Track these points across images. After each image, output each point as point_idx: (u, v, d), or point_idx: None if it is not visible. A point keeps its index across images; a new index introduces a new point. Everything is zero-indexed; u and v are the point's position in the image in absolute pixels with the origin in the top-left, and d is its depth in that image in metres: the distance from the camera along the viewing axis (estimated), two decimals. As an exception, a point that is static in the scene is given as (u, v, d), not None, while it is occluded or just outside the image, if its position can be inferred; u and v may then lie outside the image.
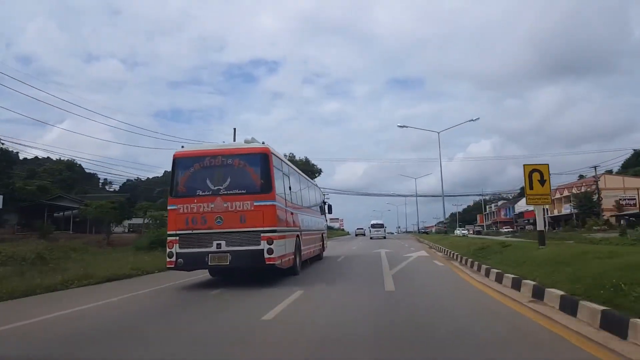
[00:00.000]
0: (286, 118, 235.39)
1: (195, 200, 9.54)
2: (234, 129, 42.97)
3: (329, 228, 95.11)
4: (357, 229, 77.28)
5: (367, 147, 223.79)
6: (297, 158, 54.30)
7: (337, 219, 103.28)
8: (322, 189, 26.45)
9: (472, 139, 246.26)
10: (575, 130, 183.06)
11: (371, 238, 51.20)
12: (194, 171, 9.90)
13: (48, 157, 59.06)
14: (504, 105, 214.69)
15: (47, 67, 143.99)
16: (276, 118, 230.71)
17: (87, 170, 59.93)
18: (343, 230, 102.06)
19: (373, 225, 56.08)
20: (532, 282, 7.29)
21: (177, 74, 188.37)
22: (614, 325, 4.58)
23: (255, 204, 9.43)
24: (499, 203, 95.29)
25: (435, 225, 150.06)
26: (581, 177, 69.26)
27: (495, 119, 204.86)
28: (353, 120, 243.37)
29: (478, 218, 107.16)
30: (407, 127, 46.49)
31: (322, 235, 17.66)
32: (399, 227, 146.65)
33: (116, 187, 71.39)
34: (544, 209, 18.48)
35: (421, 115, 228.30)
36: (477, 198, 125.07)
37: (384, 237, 51.53)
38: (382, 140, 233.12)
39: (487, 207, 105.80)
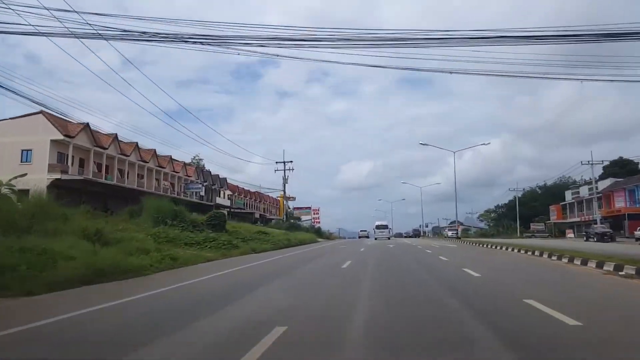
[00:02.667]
0: (293, 117, 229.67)
1: None
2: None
3: (293, 226, 50.04)
4: (361, 231, 75.92)
5: (373, 146, 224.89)
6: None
7: (309, 208, 64.74)
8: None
9: (482, 137, 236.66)
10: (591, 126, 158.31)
11: (375, 239, 52.01)
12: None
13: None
14: (515, 102, 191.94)
15: (54, 66, 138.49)
16: (283, 117, 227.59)
17: None
18: (319, 230, 62.83)
19: (378, 227, 57.38)
20: None
21: (185, 73, 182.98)
22: None
23: None
24: (601, 184, 55.52)
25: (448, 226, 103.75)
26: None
27: (505, 117, 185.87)
28: (360, 119, 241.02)
29: (553, 212, 67.24)
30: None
31: None
32: (426, 229, 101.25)
33: None
34: None
35: (430, 114, 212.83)
36: (534, 185, 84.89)
37: (389, 238, 52.61)
38: (388, 139, 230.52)
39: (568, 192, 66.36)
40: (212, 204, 46.97)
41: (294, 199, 68.89)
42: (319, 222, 66.22)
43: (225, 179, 59.73)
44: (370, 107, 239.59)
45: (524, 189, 79.87)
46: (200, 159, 57.06)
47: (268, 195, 75.60)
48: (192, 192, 45.45)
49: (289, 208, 70.60)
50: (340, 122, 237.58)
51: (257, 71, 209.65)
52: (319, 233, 55.59)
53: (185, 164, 50.01)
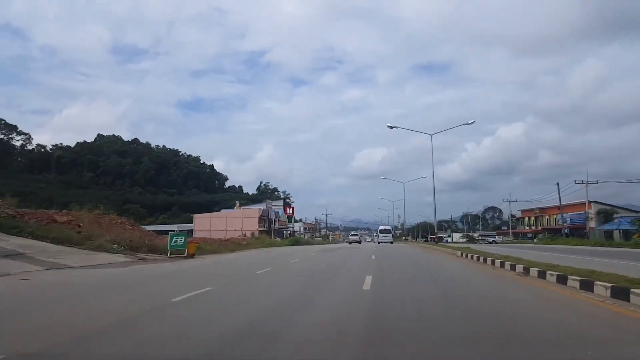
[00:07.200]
0: (307, 105, 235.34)
1: None
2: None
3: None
4: (351, 235, 70.04)
5: (387, 134, 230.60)
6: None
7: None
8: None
9: (502, 123, 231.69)
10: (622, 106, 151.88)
11: (379, 243, 50.16)
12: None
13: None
14: (538, 83, 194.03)
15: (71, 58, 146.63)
16: (297, 106, 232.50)
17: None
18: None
19: (381, 231, 57.62)
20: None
21: (199, 62, 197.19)
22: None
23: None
24: None
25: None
26: None
27: (528, 99, 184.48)
28: (375, 107, 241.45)
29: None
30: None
31: None
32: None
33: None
34: None
35: (446, 101, 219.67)
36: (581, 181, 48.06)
37: (391, 242, 50.64)
38: (405, 126, 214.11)
39: None
40: None
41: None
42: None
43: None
44: (384, 94, 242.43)
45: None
46: None
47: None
48: None
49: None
50: (354, 110, 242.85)
51: (270, 59, 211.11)
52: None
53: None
